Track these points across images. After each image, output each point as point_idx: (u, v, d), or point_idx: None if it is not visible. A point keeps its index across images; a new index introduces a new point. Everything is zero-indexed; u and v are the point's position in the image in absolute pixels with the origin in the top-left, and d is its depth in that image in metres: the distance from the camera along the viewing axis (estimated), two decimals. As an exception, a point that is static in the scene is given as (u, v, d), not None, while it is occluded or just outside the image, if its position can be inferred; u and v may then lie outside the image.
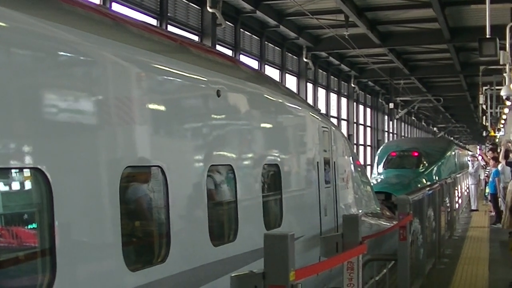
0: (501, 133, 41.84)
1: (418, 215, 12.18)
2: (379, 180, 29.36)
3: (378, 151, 35.56)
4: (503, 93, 24.40)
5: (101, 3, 17.89)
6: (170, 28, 21.49)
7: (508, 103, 30.36)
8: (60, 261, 4.79)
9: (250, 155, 8.78)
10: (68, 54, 5.35)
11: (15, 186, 4.84)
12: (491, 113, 40.46)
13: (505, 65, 22.06)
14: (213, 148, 7.61)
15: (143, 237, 6.52)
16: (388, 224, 15.46)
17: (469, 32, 30.06)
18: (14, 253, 4.81)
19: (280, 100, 10.31)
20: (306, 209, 10.84)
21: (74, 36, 5.40)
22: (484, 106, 41.22)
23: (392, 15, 29.27)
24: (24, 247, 4.90)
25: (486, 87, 37.63)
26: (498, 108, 39.52)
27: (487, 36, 18.04)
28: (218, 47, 24.04)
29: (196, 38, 23.23)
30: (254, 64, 27.87)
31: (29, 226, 4.95)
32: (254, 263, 7.42)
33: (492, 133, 45.67)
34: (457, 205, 23.65)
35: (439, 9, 25.67)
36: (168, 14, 21.57)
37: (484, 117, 45.85)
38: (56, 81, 5.12)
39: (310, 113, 11.77)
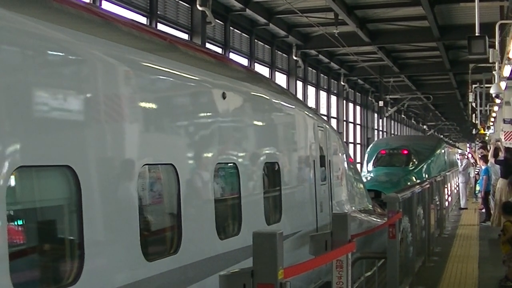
0: (491, 131, 41.93)
1: (408, 213, 12.17)
2: (368, 178, 29.36)
3: (368, 149, 35.57)
4: (492, 91, 24.43)
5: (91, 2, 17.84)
6: (160, 26, 21.46)
7: (497, 101, 30.45)
8: (87, 251, 5.26)
9: (252, 154, 9.18)
10: (102, 62, 5.89)
11: (48, 182, 5.27)
12: (480, 111, 40.51)
13: (494, 63, 22.08)
14: (219, 147, 8.08)
15: (158, 230, 6.94)
16: (379, 220, 15.62)
17: (458, 30, 30.14)
18: (47, 243, 5.27)
19: (279, 101, 10.67)
20: (303, 205, 11.24)
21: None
22: (473, 104, 41.30)
23: (381, 13, 29.31)
24: (55, 238, 5.38)
25: (475, 85, 37.69)
26: (488, 106, 39.59)
27: (477, 34, 18.08)
28: (208, 45, 24.03)
29: (186, 36, 23.20)
30: (244, 62, 27.84)
31: (60, 219, 5.39)
32: None
33: (482, 131, 45.81)
34: (446, 203, 23.66)
35: (429, 7, 25.72)
36: (158, 12, 21.55)
37: (473, 115, 45.97)
38: (85, 87, 5.53)
39: (307, 112, 12.12)
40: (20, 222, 4.96)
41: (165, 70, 6.99)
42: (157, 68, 6.83)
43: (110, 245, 5.71)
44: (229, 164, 8.39)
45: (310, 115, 12.29)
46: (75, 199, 5.23)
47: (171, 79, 7.14)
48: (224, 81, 8.49)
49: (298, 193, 11.10)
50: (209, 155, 7.77)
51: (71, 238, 5.31)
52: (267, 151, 9.75)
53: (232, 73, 9.45)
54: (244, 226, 8.43)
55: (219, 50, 25.76)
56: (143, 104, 6.44)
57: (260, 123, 9.74)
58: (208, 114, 7.90)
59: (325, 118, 39.20)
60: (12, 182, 4.63)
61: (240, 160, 8.60)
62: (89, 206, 5.34)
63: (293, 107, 11.40)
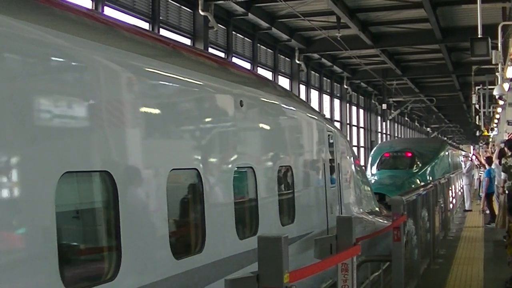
0: (494, 132, 41.86)
1: (412, 216, 12.17)
2: (372, 181, 29.25)
3: (372, 152, 35.52)
4: (495, 92, 24.43)
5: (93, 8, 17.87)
6: (162, 31, 21.48)
7: (501, 102, 30.41)
8: (124, 249, 5.68)
9: (267, 158, 9.73)
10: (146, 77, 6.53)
11: (90, 185, 5.78)
12: (484, 112, 40.47)
13: (497, 64, 22.10)
14: (237, 153, 8.54)
15: (185, 230, 7.47)
16: (386, 222, 15.72)
17: (460, 32, 30.12)
18: (90, 242, 5.82)
19: (291, 108, 11.13)
20: (315, 207, 11.65)
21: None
22: (477, 106, 41.24)
23: (383, 16, 29.30)
24: (97, 237, 5.89)
25: (478, 87, 37.64)
26: (491, 108, 39.54)
27: (479, 36, 18.06)
28: (211, 50, 24.05)
29: (188, 41, 23.22)
30: (246, 66, 27.84)
31: (100, 219, 5.88)
32: None
33: (485, 133, 45.70)
34: (451, 205, 23.63)
35: (431, 9, 25.72)
36: (160, 18, 21.57)
37: (477, 117, 45.87)
38: (121, 102, 6.03)
39: (316, 117, 12.58)
40: (66, 222, 5.39)
41: (192, 82, 7.52)
42: (185, 81, 7.35)
43: (143, 244, 6.12)
44: (247, 168, 8.81)
45: (320, 120, 12.73)
46: (112, 201, 5.69)
47: (195, 90, 7.64)
48: (241, 90, 8.95)
49: (310, 195, 11.48)
50: (229, 159, 8.25)
51: (110, 237, 5.75)
52: (281, 156, 10.22)
53: (248, 81, 9.89)
54: (261, 226, 8.86)
55: (222, 55, 25.77)
56: (171, 114, 6.98)
57: (274, 129, 10.22)
58: (227, 121, 8.37)
59: (328, 121, 39.17)
60: (60, 185, 5.00)
61: (256, 164, 9.04)
62: (125, 208, 5.77)
63: (304, 112, 11.83)
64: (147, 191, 6.34)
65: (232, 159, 8.29)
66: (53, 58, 5.28)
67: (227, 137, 8.37)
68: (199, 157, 7.45)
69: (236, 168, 8.27)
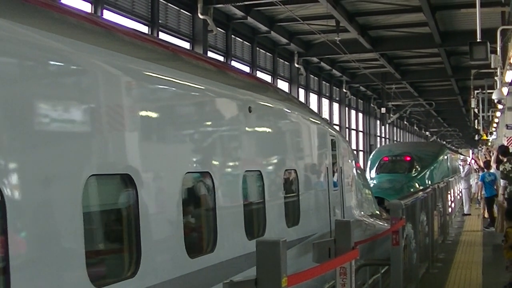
0: (493, 136, 41.89)
1: (411, 220, 12.18)
2: (371, 185, 29.29)
3: (371, 156, 35.49)
4: (494, 96, 24.43)
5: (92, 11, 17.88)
6: (161, 35, 21.48)
7: (499, 106, 30.44)
8: (143, 248, 5.97)
9: (274, 163, 10.01)
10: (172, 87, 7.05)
11: (112, 187, 6.15)
12: (483, 116, 40.50)
13: (496, 68, 22.10)
14: (246, 157, 8.91)
15: (198, 230, 7.71)
16: (387, 225, 15.77)
17: (460, 36, 30.16)
18: (113, 241, 6.14)
19: (296, 113, 11.44)
20: (318, 209, 11.89)
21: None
22: (476, 110, 41.29)
23: (383, 20, 29.33)
24: (119, 236, 6.14)
25: (477, 91, 37.67)
26: (490, 112, 39.59)
27: (478, 40, 18.07)
28: (210, 54, 24.06)
29: (187, 45, 23.23)
30: (246, 70, 27.85)
31: (122, 219, 6.17)
32: None
33: (484, 137, 45.71)
34: (450, 209, 23.62)
35: (430, 13, 25.75)
36: (160, 21, 21.59)
37: (476, 121, 45.91)
38: (144, 111, 6.38)
39: (320, 122, 12.87)
40: (92, 222, 5.69)
41: (205, 90, 7.85)
42: (200, 88, 7.71)
43: (161, 243, 6.44)
44: (255, 172, 9.09)
45: (323, 124, 13.02)
46: (133, 202, 6.00)
47: (209, 97, 7.99)
48: (250, 96, 9.25)
49: (314, 198, 11.72)
50: (239, 163, 8.59)
51: (131, 236, 6.02)
52: (286, 160, 10.51)
53: (255, 87, 10.15)
54: (268, 228, 9.16)
55: (221, 59, 25.78)
56: (186, 121, 7.35)
57: (280, 134, 10.58)
58: (237, 127, 8.73)
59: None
60: (86, 187, 5.34)
61: (264, 168, 9.37)
62: (144, 209, 6.09)
63: (308, 117, 12.07)
64: (164, 193, 6.65)
65: (241, 163, 8.61)
66: (79, 68, 5.56)
67: (237, 142, 8.71)
68: (211, 161, 7.77)
69: (245, 172, 8.58)
